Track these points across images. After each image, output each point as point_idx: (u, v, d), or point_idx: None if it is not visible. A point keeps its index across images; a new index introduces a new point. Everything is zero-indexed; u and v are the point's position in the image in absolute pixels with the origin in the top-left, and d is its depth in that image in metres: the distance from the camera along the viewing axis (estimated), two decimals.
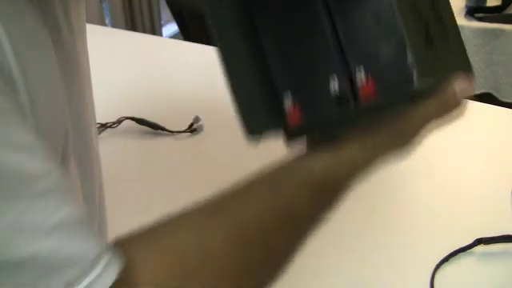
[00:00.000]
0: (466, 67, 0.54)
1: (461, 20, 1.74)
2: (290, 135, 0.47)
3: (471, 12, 1.73)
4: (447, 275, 0.68)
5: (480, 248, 0.70)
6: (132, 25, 2.67)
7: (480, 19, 1.71)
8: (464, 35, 1.46)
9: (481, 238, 0.70)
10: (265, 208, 0.45)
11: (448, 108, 0.50)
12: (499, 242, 0.70)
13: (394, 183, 0.83)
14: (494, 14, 1.72)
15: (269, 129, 0.46)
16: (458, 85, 0.50)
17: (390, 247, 0.73)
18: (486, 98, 1.72)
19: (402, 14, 0.42)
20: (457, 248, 0.70)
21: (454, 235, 0.72)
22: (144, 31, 2.71)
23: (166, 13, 2.55)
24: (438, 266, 0.69)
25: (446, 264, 0.69)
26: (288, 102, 0.45)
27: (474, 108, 1.01)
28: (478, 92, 1.79)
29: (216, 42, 0.45)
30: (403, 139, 0.49)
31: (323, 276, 0.70)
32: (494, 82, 1.77)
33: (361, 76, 0.42)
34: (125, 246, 0.40)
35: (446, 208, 0.78)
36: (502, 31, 1.69)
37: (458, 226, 0.75)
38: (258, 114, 0.46)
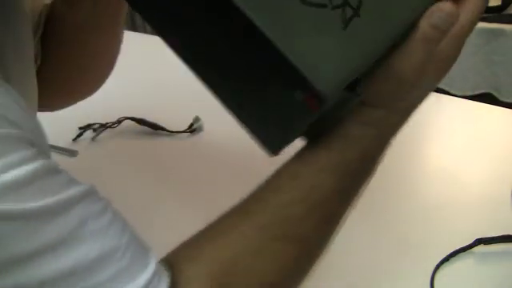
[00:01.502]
0: None
1: None
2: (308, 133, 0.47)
3: None
4: (447, 275, 0.68)
5: (480, 248, 0.70)
6: (132, 25, 2.67)
7: (480, 19, 1.71)
8: None
9: (481, 238, 0.70)
10: (293, 201, 0.45)
11: (442, 34, 0.45)
12: (499, 242, 0.70)
13: (393, 183, 0.83)
14: (493, 14, 1.72)
15: (289, 141, 0.46)
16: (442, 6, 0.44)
17: (390, 247, 0.73)
18: (486, 97, 1.72)
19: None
20: (457, 248, 0.70)
21: (454, 235, 0.72)
22: (144, 31, 2.71)
23: None
24: (438, 266, 0.69)
25: (446, 264, 0.69)
26: (300, 96, 0.42)
27: (474, 108, 1.01)
28: (477, 92, 1.79)
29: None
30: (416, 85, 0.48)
31: (323, 276, 0.70)
32: (494, 82, 1.77)
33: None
34: (172, 263, 0.41)
35: (446, 208, 0.78)
36: (502, 31, 1.69)
37: (458, 226, 0.75)
38: (272, 133, 0.46)
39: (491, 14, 1.73)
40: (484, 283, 0.68)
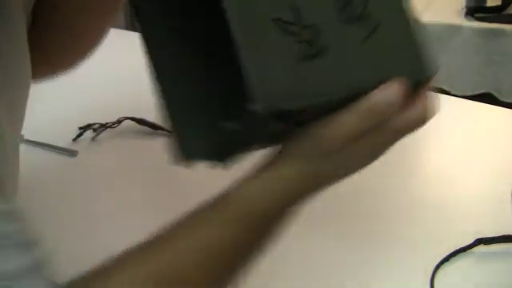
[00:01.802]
0: (411, 68, 0.46)
1: (461, 20, 1.74)
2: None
3: (471, 12, 1.73)
4: (447, 275, 0.68)
5: (480, 248, 0.70)
6: (132, 25, 2.67)
7: (480, 19, 1.72)
8: (464, 35, 1.47)
9: (481, 238, 0.70)
10: (185, 250, 0.44)
11: (377, 119, 0.43)
12: (499, 242, 0.70)
13: (393, 183, 0.83)
14: (493, 14, 1.72)
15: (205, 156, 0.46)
16: (388, 91, 0.42)
17: (390, 247, 0.73)
18: (486, 97, 1.72)
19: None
20: (457, 248, 0.70)
21: (454, 235, 0.72)
22: None
23: None
24: (438, 266, 0.69)
25: (446, 264, 0.69)
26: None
27: (474, 108, 1.01)
28: (477, 92, 1.79)
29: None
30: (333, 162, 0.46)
31: (323, 276, 0.70)
32: (494, 82, 1.77)
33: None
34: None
35: (446, 208, 0.78)
36: (502, 31, 1.69)
37: (458, 226, 0.75)
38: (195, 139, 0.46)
39: (491, 14, 1.73)
40: (484, 283, 0.68)
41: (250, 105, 0.39)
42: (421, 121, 0.48)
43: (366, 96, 0.42)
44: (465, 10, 1.75)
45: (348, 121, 0.42)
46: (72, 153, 0.91)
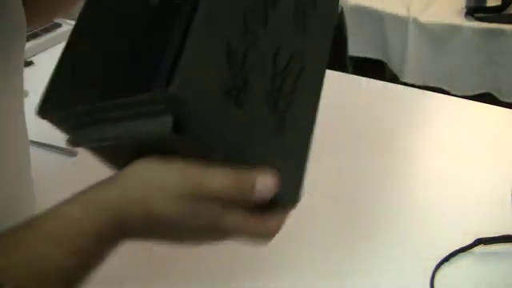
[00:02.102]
0: (290, 182, 0.45)
1: (461, 20, 1.74)
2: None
3: (471, 12, 1.73)
4: (447, 275, 0.68)
5: (480, 248, 0.70)
6: None
7: (480, 19, 1.71)
8: (464, 35, 1.47)
9: (481, 238, 0.70)
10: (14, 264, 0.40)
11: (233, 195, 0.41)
12: (499, 242, 0.70)
13: (393, 183, 0.83)
14: (493, 14, 1.72)
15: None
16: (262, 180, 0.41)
17: (390, 247, 0.73)
18: (486, 97, 1.72)
19: None
20: (457, 248, 0.70)
21: (454, 235, 0.72)
22: None
23: None
24: (438, 266, 0.69)
25: (446, 264, 0.69)
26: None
27: (474, 108, 1.01)
28: (477, 92, 1.79)
29: None
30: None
31: (323, 277, 0.70)
32: (494, 82, 1.77)
33: None
34: None
35: (446, 208, 0.78)
36: (502, 31, 1.69)
37: (458, 226, 0.75)
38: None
39: (491, 14, 1.72)
40: (484, 283, 0.68)
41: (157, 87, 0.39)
42: (257, 237, 0.43)
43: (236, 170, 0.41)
44: (465, 10, 1.75)
45: (215, 180, 0.41)
46: (72, 153, 0.91)
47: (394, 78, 1.88)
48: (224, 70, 0.41)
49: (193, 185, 0.41)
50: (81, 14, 0.48)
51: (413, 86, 1.70)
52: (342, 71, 1.06)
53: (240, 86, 0.42)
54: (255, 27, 0.43)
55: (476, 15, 1.73)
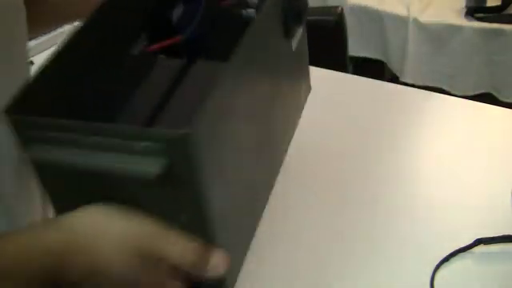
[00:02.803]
0: None
1: (461, 20, 1.74)
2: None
3: (471, 12, 1.73)
4: (447, 275, 0.68)
5: (480, 248, 0.70)
6: None
7: (480, 19, 1.71)
8: (464, 35, 1.47)
9: (481, 238, 0.70)
10: None
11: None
12: (499, 242, 0.70)
13: (393, 183, 0.83)
14: (493, 14, 1.72)
15: None
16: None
17: (390, 247, 0.73)
18: (486, 97, 1.72)
19: None
20: (457, 248, 0.70)
21: (454, 235, 0.72)
22: None
23: None
24: (438, 266, 0.69)
25: (446, 264, 0.69)
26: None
27: (474, 108, 1.01)
28: (477, 92, 1.79)
29: None
30: None
31: (323, 277, 0.70)
32: (494, 82, 1.77)
33: None
34: None
35: (446, 208, 0.78)
36: (502, 31, 1.69)
37: (458, 226, 0.75)
38: None
39: (491, 14, 1.72)
40: (484, 283, 0.68)
41: None
42: None
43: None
44: (465, 10, 1.75)
45: (175, 247, 0.40)
46: None
47: (394, 78, 1.88)
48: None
49: (150, 243, 0.39)
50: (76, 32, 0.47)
51: (413, 86, 1.70)
52: (342, 71, 1.06)
53: None
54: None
55: (476, 15, 1.73)
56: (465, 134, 0.93)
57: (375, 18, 1.88)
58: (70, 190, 0.42)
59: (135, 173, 0.37)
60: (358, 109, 0.97)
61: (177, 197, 0.39)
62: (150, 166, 0.36)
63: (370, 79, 1.06)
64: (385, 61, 1.96)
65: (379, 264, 0.71)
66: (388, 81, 1.11)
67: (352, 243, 0.74)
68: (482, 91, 1.79)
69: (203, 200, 0.39)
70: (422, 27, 1.79)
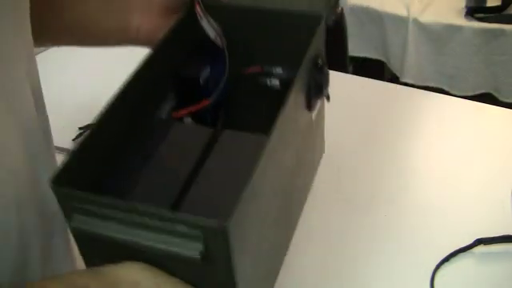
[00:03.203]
0: None
1: (461, 20, 1.74)
2: None
3: (471, 12, 1.73)
4: (447, 275, 0.68)
5: (480, 248, 0.70)
6: None
7: (480, 19, 1.71)
8: (464, 35, 1.47)
9: (481, 239, 0.70)
10: None
11: None
12: (499, 243, 0.70)
13: (393, 183, 0.83)
14: (494, 14, 1.72)
15: None
16: None
17: (390, 247, 0.73)
18: (486, 97, 1.72)
19: None
20: (457, 248, 0.70)
21: (454, 235, 0.72)
22: None
23: None
24: (438, 266, 0.69)
25: (446, 264, 0.69)
26: None
27: (474, 108, 1.01)
28: (477, 92, 1.79)
29: None
30: None
31: (322, 277, 0.70)
32: (494, 82, 1.77)
33: None
34: None
35: (446, 208, 0.78)
36: (502, 31, 1.69)
37: (458, 226, 0.75)
38: None
39: (491, 14, 1.72)
40: (484, 283, 0.68)
41: None
42: None
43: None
44: (465, 10, 1.75)
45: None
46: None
47: (394, 78, 1.88)
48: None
49: None
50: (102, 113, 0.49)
51: (413, 86, 1.70)
52: (342, 71, 1.06)
53: None
54: None
55: (476, 15, 1.73)
56: (465, 134, 0.93)
57: (375, 18, 1.88)
58: (105, 257, 0.44)
59: (169, 253, 0.40)
60: (357, 109, 0.97)
61: (207, 272, 0.41)
62: (185, 249, 0.39)
63: (370, 79, 1.06)
64: (385, 61, 1.96)
65: (379, 264, 0.71)
66: (388, 81, 1.11)
67: (351, 242, 0.74)
68: (482, 91, 1.79)
69: (232, 275, 0.41)
70: (422, 27, 1.79)
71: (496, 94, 1.78)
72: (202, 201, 0.46)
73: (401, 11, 1.83)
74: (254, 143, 0.44)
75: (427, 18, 1.79)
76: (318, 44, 0.54)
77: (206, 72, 0.57)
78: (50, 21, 0.65)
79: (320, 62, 0.54)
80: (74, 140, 0.94)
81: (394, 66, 1.92)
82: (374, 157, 0.87)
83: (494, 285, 0.67)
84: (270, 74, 0.56)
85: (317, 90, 0.55)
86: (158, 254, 0.41)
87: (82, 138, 0.47)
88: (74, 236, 0.45)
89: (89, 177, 0.44)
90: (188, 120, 0.55)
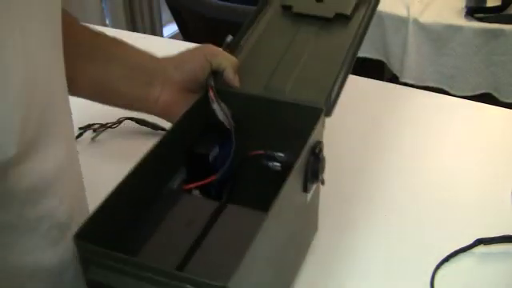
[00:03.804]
0: None
1: (461, 20, 1.74)
2: None
3: (471, 12, 1.73)
4: (447, 275, 0.68)
5: (480, 248, 0.70)
6: (132, 25, 2.67)
7: (480, 19, 1.71)
8: (464, 35, 1.48)
9: (481, 239, 0.70)
10: None
11: None
12: (499, 243, 0.70)
13: (393, 183, 0.83)
14: (494, 14, 1.72)
15: None
16: None
17: (390, 247, 0.73)
18: (486, 97, 1.72)
19: None
20: (457, 248, 0.70)
21: (454, 235, 0.72)
22: (144, 31, 2.71)
23: (166, 13, 2.55)
24: (438, 266, 0.69)
25: (446, 264, 0.69)
26: None
27: (474, 108, 1.01)
28: (478, 92, 1.79)
29: None
30: None
31: (322, 276, 0.70)
32: (494, 82, 1.77)
33: None
34: None
35: (446, 208, 0.78)
36: (502, 31, 1.69)
37: (458, 226, 0.75)
38: None
39: (491, 14, 1.72)
40: (484, 283, 0.68)
41: None
42: None
43: None
44: (465, 10, 1.75)
45: None
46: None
47: (393, 78, 1.88)
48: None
49: None
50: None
51: (413, 86, 1.69)
52: None
53: None
54: None
55: (476, 15, 1.72)
56: (465, 134, 0.93)
57: (375, 18, 1.88)
58: None
59: None
60: (357, 109, 0.97)
61: None
62: None
63: (370, 79, 1.06)
64: (385, 61, 1.95)
65: (379, 264, 0.71)
66: (388, 81, 1.11)
67: (351, 242, 0.74)
68: (482, 91, 1.79)
69: None
70: (422, 27, 1.79)
71: (496, 94, 1.78)
72: (204, 264, 0.52)
73: (401, 11, 1.83)
74: (253, 218, 0.50)
75: (427, 18, 1.79)
76: (317, 134, 0.61)
77: (215, 151, 0.64)
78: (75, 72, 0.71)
79: (317, 150, 0.61)
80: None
81: (393, 66, 1.92)
82: (373, 157, 0.87)
83: (494, 285, 0.67)
84: (272, 158, 0.63)
85: (313, 176, 0.61)
86: None
87: (103, 200, 0.53)
88: (88, 286, 0.50)
89: (105, 235, 0.50)
90: (196, 192, 0.63)
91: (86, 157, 0.91)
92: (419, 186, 0.83)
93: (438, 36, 1.77)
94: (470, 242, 0.70)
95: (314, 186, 0.64)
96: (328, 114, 0.65)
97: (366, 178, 0.83)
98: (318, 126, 0.62)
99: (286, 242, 0.60)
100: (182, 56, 0.73)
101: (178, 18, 2.09)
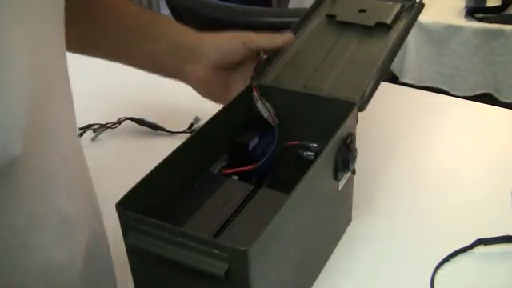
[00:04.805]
0: None
1: (461, 20, 1.74)
2: None
3: (471, 12, 1.73)
4: (447, 275, 0.68)
5: (480, 248, 0.70)
6: None
7: (480, 19, 1.71)
8: (464, 35, 1.48)
9: (481, 239, 0.70)
10: None
11: None
12: (499, 243, 0.70)
13: (393, 183, 0.83)
14: (494, 15, 1.72)
15: None
16: None
17: (390, 247, 0.73)
18: (486, 97, 1.72)
19: None
20: (457, 248, 0.70)
21: (454, 235, 0.72)
22: None
23: (166, 13, 2.55)
24: (438, 266, 0.69)
25: (446, 264, 0.69)
26: None
27: (474, 108, 1.01)
28: (478, 92, 1.79)
29: None
30: None
31: (322, 276, 0.70)
32: (494, 82, 1.77)
33: None
34: None
35: (446, 208, 0.78)
36: (502, 31, 1.69)
37: (458, 226, 0.75)
38: None
39: (491, 14, 1.72)
40: (484, 283, 0.68)
41: None
42: None
43: None
44: (465, 10, 1.75)
45: None
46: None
47: (393, 78, 1.88)
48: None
49: None
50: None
51: (412, 86, 1.70)
52: None
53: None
54: None
55: (476, 15, 1.72)
56: (465, 134, 0.93)
57: None
58: (150, 270, 0.56)
59: (203, 270, 0.50)
60: None
61: None
62: (214, 268, 0.50)
63: None
64: None
65: (379, 264, 0.71)
66: (388, 81, 1.11)
67: (351, 242, 0.74)
68: (482, 91, 1.79)
69: None
70: (422, 27, 1.79)
71: (496, 95, 1.78)
72: (233, 236, 0.56)
73: None
74: (283, 200, 0.54)
75: (427, 18, 1.79)
76: (349, 126, 0.66)
77: (254, 140, 0.70)
78: (105, 40, 0.81)
79: (348, 141, 0.65)
80: None
81: (393, 66, 1.92)
82: (373, 157, 0.87)
83: (494, 285, 0.67)
84: (307, 148, 0.68)
85: (343, 165, 0.65)
86: (191, 270, 0.51)
87: (150, 171, 0.58)
88: (127, 250, 0.56)
89: (145, 209, 0.54)
90: (235, 177, 0.67)
91: (85, 157, 0.90)
92: (419, 186, 0.83)
93: (437, 36, 1.77)
94: (470, 242, 0.70)
95: (346, 176, 0.68)
96: (361, 109, 0.69)
97: (365, 178, 0.83)
98: (350, 118, 0.66)
99: (316, 226, 0.64)
100: (223, 38, 0.80)
101: (178, 18, 2.09)
